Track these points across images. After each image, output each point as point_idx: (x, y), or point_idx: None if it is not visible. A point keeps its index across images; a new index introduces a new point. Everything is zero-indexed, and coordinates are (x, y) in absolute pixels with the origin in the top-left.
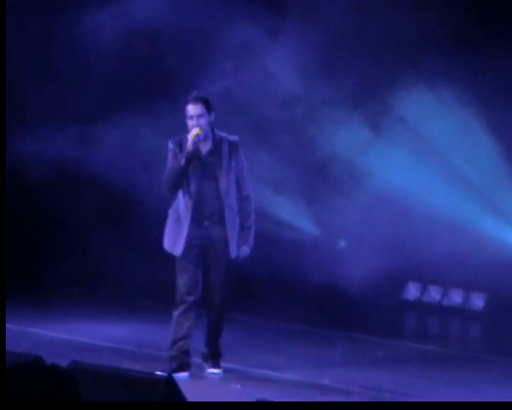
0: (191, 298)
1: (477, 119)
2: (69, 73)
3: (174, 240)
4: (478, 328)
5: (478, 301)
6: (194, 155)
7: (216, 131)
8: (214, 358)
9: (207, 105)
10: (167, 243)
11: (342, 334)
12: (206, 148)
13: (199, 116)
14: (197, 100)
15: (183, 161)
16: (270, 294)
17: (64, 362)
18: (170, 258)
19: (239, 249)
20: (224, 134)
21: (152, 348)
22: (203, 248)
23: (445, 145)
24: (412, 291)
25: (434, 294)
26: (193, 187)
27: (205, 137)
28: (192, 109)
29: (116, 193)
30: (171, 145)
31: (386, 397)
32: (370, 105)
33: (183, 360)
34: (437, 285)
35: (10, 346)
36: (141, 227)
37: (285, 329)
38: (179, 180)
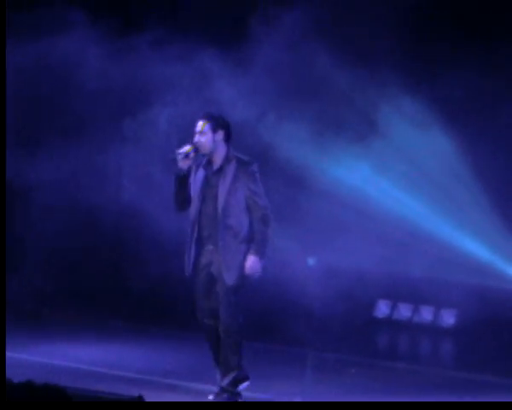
0: (204, 319)
1: (451, 140)
2: None
3: (186, 260)
4: (448, 345)
5: (448, 318)
6: (185, 173)
7: (230, 150)
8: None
9: (214, 123)
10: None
11: (312, 353)
12: (213, 167)
13: (201, 133)
14: (204, 117)
15: (173, 178)
16: None
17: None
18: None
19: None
20: (239, 155)
21: (123, 370)
22: (211, 271)
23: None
24: (382, 309)
25: (405, 311)
26: (195, 207)
27: (202, 156)
28: (198, 125)
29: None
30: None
31: None
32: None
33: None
34: (407, 303)
35: None
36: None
37: (258, 348)
38: (177, 197)
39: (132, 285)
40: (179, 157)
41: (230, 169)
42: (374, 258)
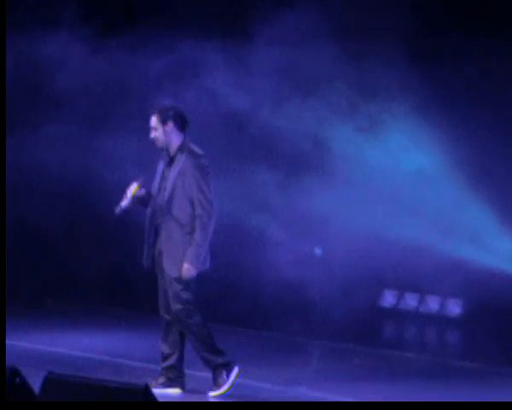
0: (160, 311)
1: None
2: None
3: (144, 251)
4: (455, 334)
5: (454, 308)
6: (144, 196)
7: (185, 141)
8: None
9: (162, 116)
10: None
11: (318, 342)
12: (168, 159)
13: (153, 128)
14: (153, 111)
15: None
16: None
17: (40, 373)
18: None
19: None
20: (193, 146)
21: (126, 359)
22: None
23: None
24: (389, 299)
25: (411, 301)
26: (153, 199)
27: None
28: (150, 121)
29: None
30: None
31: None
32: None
33: (166, 376)
34: (413, 292)
35: None
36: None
37: (260, 336)
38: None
39: (132, 272)
40: (121, 211)
41: (180, 160)
42: (380, 248)
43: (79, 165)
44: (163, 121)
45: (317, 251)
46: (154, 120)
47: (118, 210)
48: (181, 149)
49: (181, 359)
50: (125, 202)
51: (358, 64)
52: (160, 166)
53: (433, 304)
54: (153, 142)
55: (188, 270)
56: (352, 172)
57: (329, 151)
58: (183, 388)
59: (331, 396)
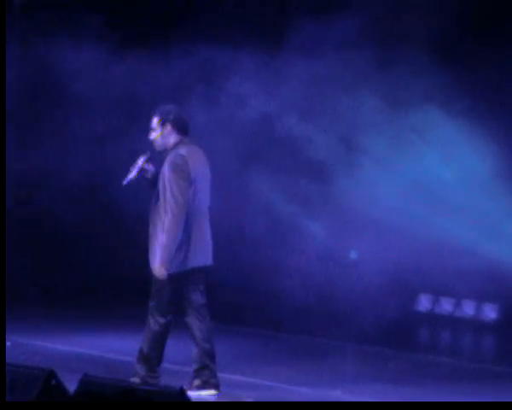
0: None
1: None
2: None
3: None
4: (491, 339)
5: (490, 313)
6: (151, 178)
7: (180, 142)
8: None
9: (162, 117)
10: None
11: (355, 346)
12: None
13: (152, 129)
14: (155, 112)
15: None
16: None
17: (76, 376)
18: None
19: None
20: (183, 146)
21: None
22: None
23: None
24: (424, 303)
25: (446, 305)
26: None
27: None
28: (151, 122)
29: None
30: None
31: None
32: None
33: (200, 379)
34: (449, 297)
35: (23, 360)
36: None
37: (298, 341)
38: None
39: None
40: (128, 183)
41: (167, 159)
42: (416, 251)
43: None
44: (162, 123)
45: (353, 255)
46: (154, 122)
47: (125, 181)
48: (173, 149)
49: (210, 358)
50: (132, 174)
51: (392, 70)
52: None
53: (468, 309)
54: (151, 143)
55: (156, 269)
56: (385, 176)
57: (365, 156)
58: (217, 389)
59: (366, 400)
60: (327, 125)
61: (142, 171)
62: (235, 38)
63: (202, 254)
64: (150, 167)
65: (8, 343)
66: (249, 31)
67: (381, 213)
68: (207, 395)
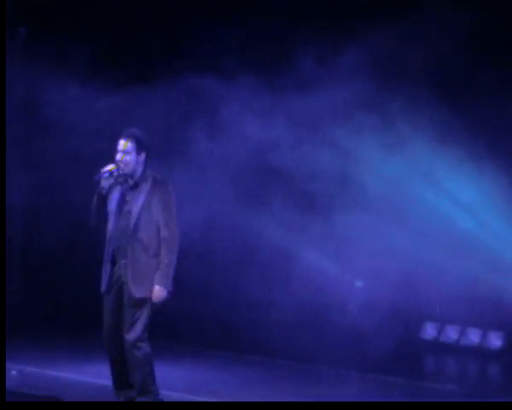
0: (109, 336)
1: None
2: None
3: (102, 276)
4: (496, 367)
5: (495, 341)
6: (106, 191)
7: (148, 170)
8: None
9: (139, 143)
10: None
11: (358, 374)
12: (130, 184)
13: (125, 152)
14: (129, 136)
15: (95, 196)
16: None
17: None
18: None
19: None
20: (155, 173)
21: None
22: (121, 285)
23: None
24: (429, 331)
25: (452, 333)
26: (111, 223)
27: (124, 176)
28: (121, 144)
29: None
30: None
31: None
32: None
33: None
34: (454, 325)
35: (31, 389)
36: None
37: (300, 369)
38: (96, 214)
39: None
40: (104, 176)
41: (146, 186)
42: (421, 280)
43: None
44: (138, 150)
45: (359, 283)
46: (129, 145)
47: (99, 176)
48: (144, 176)
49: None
50: (105, 170)
51: (390, 103)
52: (117, 190)
53: (473, 337)
54: (117, 163)
55: (159, 291)
56: (391, 207)
57: (363, 189)
58: None
59: None
60: (323, 157)
61: (118, 167)
62: (233, 69)
63: None
64: (119, 171)
65: (13, 372)
66: (246, 62)
67: (385, 241)
68: None
